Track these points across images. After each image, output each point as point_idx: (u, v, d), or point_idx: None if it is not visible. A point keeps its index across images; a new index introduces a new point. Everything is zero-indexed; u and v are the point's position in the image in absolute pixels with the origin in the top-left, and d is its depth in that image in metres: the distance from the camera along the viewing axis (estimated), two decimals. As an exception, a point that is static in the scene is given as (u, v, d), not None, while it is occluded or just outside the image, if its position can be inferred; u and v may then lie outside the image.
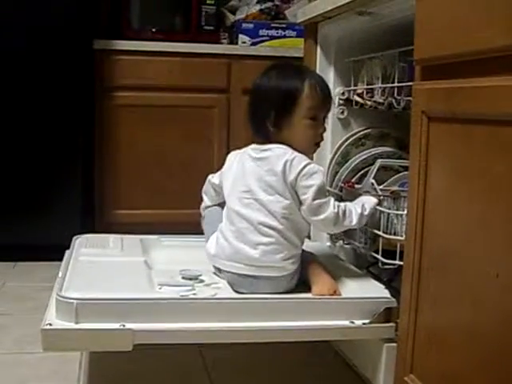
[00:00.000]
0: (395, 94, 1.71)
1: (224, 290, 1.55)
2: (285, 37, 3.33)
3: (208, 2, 3.29)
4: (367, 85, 1.89)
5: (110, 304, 1.34)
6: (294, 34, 3.34)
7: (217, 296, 1.49)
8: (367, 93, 1.90)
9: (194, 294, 1.47)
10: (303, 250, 1.65)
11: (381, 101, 1.81)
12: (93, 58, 2.93)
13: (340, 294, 1.55)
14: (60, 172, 2.87)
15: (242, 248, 1.55)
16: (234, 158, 1.72)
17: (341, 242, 2.04)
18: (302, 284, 1.61)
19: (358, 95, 1.95)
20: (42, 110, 2.82)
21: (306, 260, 1.64)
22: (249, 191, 1.59)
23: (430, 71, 1.31)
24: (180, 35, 3.17)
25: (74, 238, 1.91)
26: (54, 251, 2.69)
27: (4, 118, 2.77)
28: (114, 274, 1.55)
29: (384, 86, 1.75)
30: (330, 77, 2.07)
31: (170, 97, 3.04)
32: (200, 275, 1.60)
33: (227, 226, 1.62)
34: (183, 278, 1.58)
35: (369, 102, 1.90)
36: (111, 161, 3.03)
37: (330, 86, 2.04)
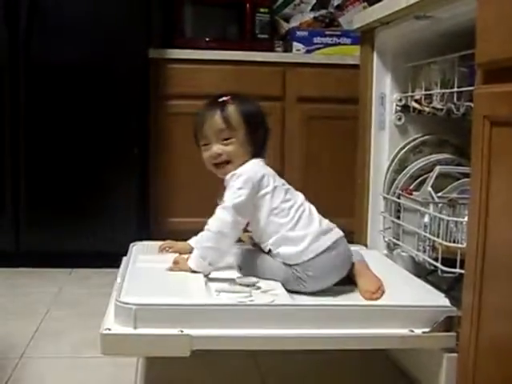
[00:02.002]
0: (455, 100, 1.68)
1: (281, 297, 1.54)
2: (339, 44, 3.30)
3: (262, 10, 3.28)
4: (425, 90, 1.86)
5: (169, 309, 1.35)
6: (348, 41, 3.31)
7: (274, 302, 1.47)
8: (425, 99, 1.87)
9: (252, 300, 1.46)
10: None
11: (439, 107, 1.79)
12: (148, 66, 2.96)
13: (384, 291, 1.60)
14: (116, 180, 2.89)
15: None
16: None
17: (398, 250, 2.01)
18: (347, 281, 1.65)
19: (416, 101, 1.92)
20: (98, 119, 2.85)
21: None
22: None
23: (492, 75, 1.28)
24: (234, 44, 3.17)
25: (131, 245, 1.93)
26: (110, 258, 2.72)
27: (61, 127, 2.82)
28: (171, 280, 1.56)
29: (443, 91, 1.72)
30: (387, 83, 2.05)
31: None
32: (257, 282, 1.60)
33: None
34: (240, 284, 1.58)
35: (427, 109, 1.87)
36: (166, 169, 3.05)
37: (387, 92, 2.03)
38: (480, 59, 1.30)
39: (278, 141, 3.10)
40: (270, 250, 1.70)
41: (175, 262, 1.68)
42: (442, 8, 1.60)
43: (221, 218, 1.65)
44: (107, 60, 2.82)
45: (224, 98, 1.75)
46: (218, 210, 1.66)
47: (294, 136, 3.11)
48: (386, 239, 2.04)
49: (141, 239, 2.79)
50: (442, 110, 1.78)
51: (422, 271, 1.90)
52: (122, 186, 2.90)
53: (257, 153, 1.76)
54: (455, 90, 1.65)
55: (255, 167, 1.72)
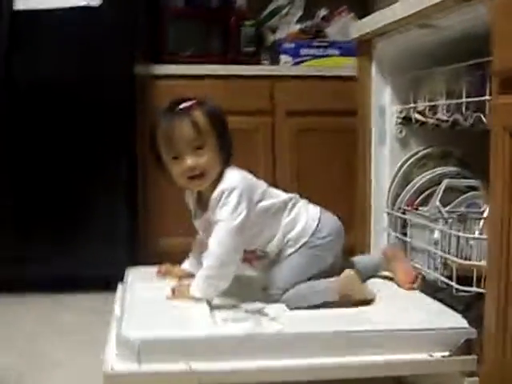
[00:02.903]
0: (463, 110, 1.61)
1: (290, 324, 1.45)
2: (327, 55, 3.23)
3: (247, 23, 3.22)
4: (429, 101, 1.79)
5: (174, 343, 1.27)
6: (336, 52, 3.24)
7: (283, 331, 1.39)
8: (429, 110, 1.80)
9: (260, 329, 1.38)
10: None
11: (445, 118, 1.72)
12: (133, 83, 2.87)
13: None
14: (103, 199, 2.79)
15: None
16: None
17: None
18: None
19: (419, 113, 1.85)
20: (83, 137, 2.75)
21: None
22: None
23: (511, 83, 1.22)
24: (219, 58, 3.10)
25: (127, 270, 1.84)
26: (97, 282, 2.65)
27: (44, 147, 2.71)
28: (173, 309, 1.48)
29: (451, 102, 1.65)
30: (387, 94, 1.99)
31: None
32: (263, 308, 1.52)
33: None
34: (246, 311, 1.50)
35: (431, 120, 1.81)
36: (155, 187, 2.96)
37: (387, 104, 1.97)
38: (497, 67, 1.23)
39: (269, 156, 3.03)
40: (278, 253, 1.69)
41: (176, 291, 1.59)
42: (448, 16, 1.53)
43: (226, 243, 1.56)
44: (92, 77, 2.72)
45: (188, 104, 1.63)
46: (221, 233, 1.56)
47: (285, 151, 3.03)
48: (391, 256, 1.95)
49: (130, 260, 2.75)
50: (447, 121, 1.71)
51: (430, 288, 1.82)
52: (110, 205, 2.80)
53: (227, 159, 1.67)
54: (464, 100, 1.58)
55: (240, 176, 1.64)
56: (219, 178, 1.64)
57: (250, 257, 1.70)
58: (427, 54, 1.82)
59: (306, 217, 1.72)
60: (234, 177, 1.62)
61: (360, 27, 2.00)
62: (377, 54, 1.96)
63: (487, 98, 1.44)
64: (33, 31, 2.64)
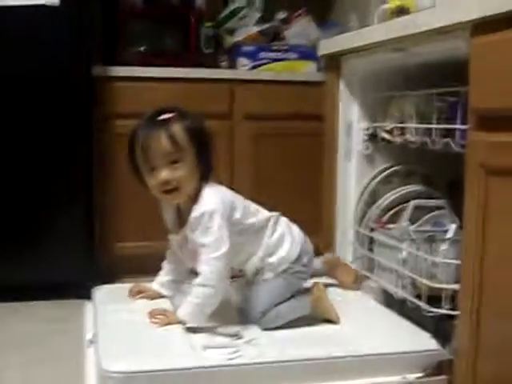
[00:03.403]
0: (432, 134, 1.65)
1: (266, 347, 1.47)
2: (286, 59, 3.23)
3: (206, 24, 3.20)
4: (398, 122, 1.82)
5: (157, 375, 1.26)
6: (295, 56, 3.23)
7: (262, 356, 1.40)
8: (397, 130, 1.83)
9: (240, 355, 1.39)
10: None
11: (413, 139, 1.75)
12: (90, 85, 2.82)
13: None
14: (58, 205, 2.72)
15: None
16: None
17: (368, 281, 1.97)
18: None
19: (387, 132, 1.88)
20: (37, 141, 2.66)
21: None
22: None
23: (488, 122, 1.26)
24: (178, 59, 3.05)
25: (95, 288, 1.82)
26: (56, 289, 2.60)
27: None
28: (149, 335, 1.47)
29: (421, 126, 1.68)
30: (354, 111, 2.01)
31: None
32: (238, 331, 1.53)
33: None
34: (223, 335, 1.50)
35: (398, 140, 1.84)
36: (111, 192, 2.92)
37: (354, 120, 1.99)
38: (475, 104, 1.27)
39: (227, 161, 3.00)
40: (256, 273, 1.69)
41: (158, 317, 1.57)
42: (421, 45, 1.56)
43: (218, 271, 1.54)
44: (46, 78, 2.64)
45: (167, 116, 1.59)
46: (212, 262, 1.54)
47: (243, 155, 3.02)
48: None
49: (86, 266, 2.71)
50: (415, 142, 1.75)
51: (393, 303, 1.87)
52: (66, 211, 2.74)
53: (206, 175, 1.63)
54: (434, 126, 1.61)
55: (220, 196, 1.61)
56: (197, 193, 1.61)
57: None
58: (398, 74, 1.85)
59: (290, 241, 1.71)
60: (214, 198, 1.59)
61: (328, 45, 2.01)
62: (345, 71, 1.99)
63: (459, 126, 1.48)
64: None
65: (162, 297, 1.74)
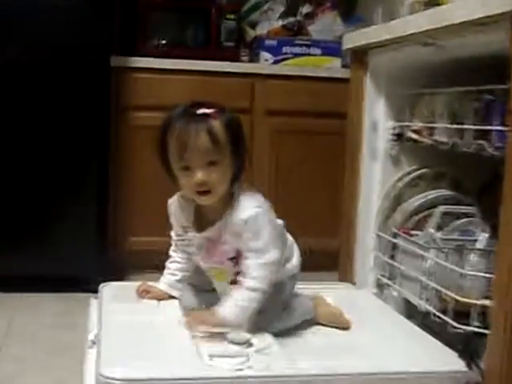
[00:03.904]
0: (465, 136, 1.54)
1: (277, 357, 1.37)
2: (309, 54, 3.14)
3: (228, 16, 3.11)
4: (427, 121, 1.71)
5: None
6: (318, 51, 3.15)
7: (272, 367, 1.30)
8: (426, 130, 1.72)
9: (250, 366, 1.29)
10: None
11: (444, 140, 1.64)
12: (109, 75, 2.75)
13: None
14: (72, 197, 2.67)
15: None
16: None
17: (390, 290, 1.87)
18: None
19: (415, 131, 1.77)
20: (52, 133, 2.62)
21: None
22: None
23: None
24: (198, 52, 2.99)
25: (101, 285, 1.73)
26: (66, 282, 2.54)
27: (10, 142, 2.58)
28: (153, 339, 1.37)
29: (453, 126, 1.57)
30: (380, 109, 1.90)
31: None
32: (250, 338, 1.42)
33: None
34: (233, 342, 1.40)
35: (427, 140, 1.73)
36: (126, 185, 2.85)
37: (380, 119, 1.89)
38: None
39: (247, 156, 2.92)
40: None
41: (196, 318, 1.48)
42: (458, 37, 1.45)
43: (268, 276, 1.49)
44: (64, 68, 2.60)
45: (207, 111, 1.46)
46: (264, 266, 1.48)
47: (263, 151, 2.94)
48: (377, 278, 1.89)
49: (99, 260, 2.64)
50: (445, 143, 1.64)
51: (416, 315, 1.76)
52: (79, 203, 2.69)
53: (238, 175, 1.54)
54: (470, 126, 1.50)
55: (258, 197, 1.54)
56: (228, 194, 1.53)
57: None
58: (431, 70, 1.73)
59: (296, 248, 1.67)
60: (255, 200, 1.52)
61: (354, 38, 1.91)
62: (372, 66, 1.88)
63: (497, 127, 1.37)
64: (3, 17, 2.51)
65: (170, 297, 1.64)
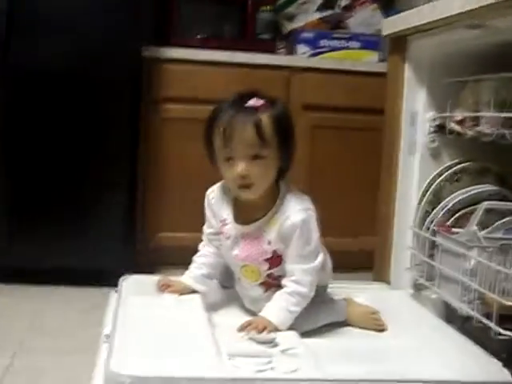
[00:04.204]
0: (512, 126, 1.42)
1: (303, 359, 1.27)
2: (348, 48, 3.05)
3: (264, 8, 3.03)
4: (471, 111, 1.59)
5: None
6: (357, 45, 3.06)
7: (297, 370, 1.20)
8: (470, 120, 1.60)
9: (273, 368, 1.19)
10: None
11: (488, 131, 1.52)
12: (140, 66, 2.68)
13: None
14: (102, 191, 2.62)
15: None
16: None
17: (428, 291, 1.75)
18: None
19: (457, 122, 1.65)
20: (83, 125, 2.57)
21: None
22: None
23: None
24: (234, 43, 2.91)
25: (121, 279, 1.65)
26: (94, 276, 2.49)
27: (43, 135, 2.53)
28: (171, 336, 1.28)
29: (501, 114, 1.45)
30: (420, 99, 1.79)
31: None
32: (274, 338, 1.33)
33: None
34: (255, 341, 1.31)
35: (470, 132, 1.61)
36: (157, 179, 2.78)
37: (420, 110, 1.77)
38: None
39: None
40: None
41: (251, 323, 1.40)
42: (505, 17, 1.33)
43: (315, 281, 1.48)
44: (94, 59, 2.54)
45: (256, 104, 1.43)
46: (312, 271, 1.47)
47: (299, 146, 2.81)
48: (415, 278, 1.77)
49: (127, 255, 2.58)
50: (490, 135, 1.52)
51: (455, 318, 1.64)
52: (109, 197, 2.63)
53: (283, 172, 1.51)
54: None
55: (304, 197, 1.51)
56: (272, 192, 1.49)
57: (271, 283, 1.53)
58: (473, 56, 1.62)
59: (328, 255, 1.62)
60: (304, 202, 1.49)
61: (393, 23, 1.80)
62: (412, 53, 1.77)
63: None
64: (33, 13, 2.46)
65: (193, 292, 1.55)
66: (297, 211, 1.45)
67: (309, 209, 1.47)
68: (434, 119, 1.77)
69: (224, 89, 2.74)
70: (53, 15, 2.47)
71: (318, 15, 3.22)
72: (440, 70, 1.73)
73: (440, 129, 1.76)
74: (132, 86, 2.62)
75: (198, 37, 2.89)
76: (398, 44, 1.80)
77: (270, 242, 1.48)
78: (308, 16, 3.23)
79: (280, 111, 1.46)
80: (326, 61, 2.93)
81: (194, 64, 2.75)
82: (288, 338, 1.36)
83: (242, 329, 1.39)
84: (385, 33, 1.84)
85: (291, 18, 3.24)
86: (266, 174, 1.44)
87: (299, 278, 1.45)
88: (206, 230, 1.61)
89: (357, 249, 2.70)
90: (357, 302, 1.66)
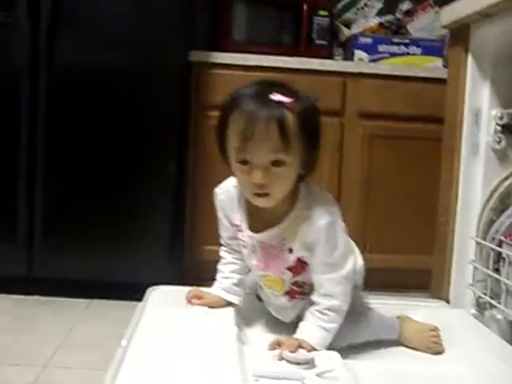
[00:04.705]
0: None
1: (345, 383, 1.10)
2: (408, 54, 2.92)
3: (321, 13, 2.90)
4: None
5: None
6: (418, 51, 2.92)
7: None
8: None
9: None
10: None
11: None
12: (189, 71, 2.59)
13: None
14: (147, 201, 2.51)
15: None
16: None
17: (493, 311, 1.55)
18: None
19: (527, 120, 1.47)
20: (128, 131, 2.49)
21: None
22: None
23: None
24: (288, 49, 2.81)
25: (150, 289, 1.51)
26: (135, 289, 2.36)
27: (86, 140, 2.45)
28: (191, 351, 1.13)
29: None
30: (485, 95, 1.61)
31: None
32: (312, 358, 1.16)
33: None
34: (288, 361, 1.14)
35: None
36: (205, 189, 2.64)
37: (484, 107, 1.59)
38: None
39: (335, 161, 2.69)
40: None
41: (283, 342, 1.24)
42: None
43: (348, 291, 1.30)
44: (142, 62, 2.46)
45: (282, 99, 1.19)
46: (344, 281, 1.30)
47: (354, 156, 2.71)
48: (477, 296, 1.58)
49: (172, 268, 2.46)
50: None
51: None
52: (154, 207, 2.52)
53: (306, 175, 1.29)
54: None
55: (329, 198, 1.33)
56: (291, 194, 1.29)
57: (297, 290, 1.36)
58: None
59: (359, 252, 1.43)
60: (328, 204, 1.30)
61: (454, 10, 1.62)
62: (476, 43, 1.59)
63: None
64: (75, 10, 2.40)
65: (227, 304, 1.40)
66: (320, 215, 1.26)
67: (333, 211, 1.29)
68: (501, 117, 1.58)
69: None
70: (102, 16, 2.41)
71: (377, 20, 3.09)
72: (507, 62, 1.55)
73: (507, 128, 1.57)
74: (180, 91, 2.53)
75: (251, 41, 2.79)
76: (460, 34, 1.63)
77: (291, 250, 1.30)
78: (367, 21, 3.10)
79: (307, 107, 1.23)
80: (384, 66, 2.78)
81: (244, 69, 2.64)
82: (327, 359, 1.19)
83: (273, 347, 1.23)
84: (444, 22, 1.66)
85: (349, 23, 3.12)
86: (287, 183, 1.25)
87: (329, 290, 1.29)
88: (223, 233, 1.43)
89: (412, 267, 2.52)
90: (413, 319, 1.48)
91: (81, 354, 1.92)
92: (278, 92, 1.21)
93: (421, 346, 1.40)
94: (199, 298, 1.42)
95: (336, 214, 1.29)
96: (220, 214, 1.40)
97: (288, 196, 1.28)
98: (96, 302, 2.45)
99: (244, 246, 1.36)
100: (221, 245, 1.46)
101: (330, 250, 1.27)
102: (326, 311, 1.28)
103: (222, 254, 1.46)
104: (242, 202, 1.34)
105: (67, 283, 2.47)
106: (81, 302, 2.42)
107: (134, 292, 2.36)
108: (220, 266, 1.45)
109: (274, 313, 1.42)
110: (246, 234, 1.34)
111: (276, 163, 1.21)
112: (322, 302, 1.29)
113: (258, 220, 1.32)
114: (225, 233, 1.42)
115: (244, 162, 1.22)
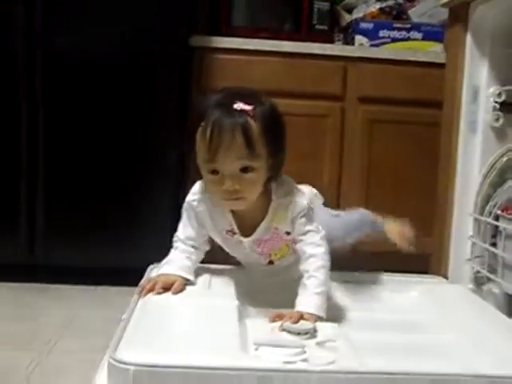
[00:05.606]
0: None
1: (341, 351, 1.11)
2: (409, 39, 2.90)
3: (321, -3, 2.90)
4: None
5: (180, 373, 0.93)
6: (419, 35, 2.91)
7: (334, 364, 1.04)
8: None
9: (304, 359, 1.04)
10: None
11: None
12: (190, 56, 2.59)
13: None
14: (148, 187, 2.51)
15: None
16: None
17: (490, 285, 1.57)
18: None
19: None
20: (128, 118, 2.47)
21: None
22: None
23: None
24: (288, 34, 2.81)
25: (150, 267, 1.54)
26: (137, 275, 2.38)
27: (85, 128, 2.43)
28: (192, 324, 1.15)
29: None
30: (483, 73, 1.62)
31: (277, 103, 2.63)
32: (312, 329, 1.17)
33: None
34: (288, 331, 1.16)
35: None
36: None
37: (482, 84, 1.60)
38: None
39: (335, 147, 2.69)
40: None
41: (283, 314, 1.27)
42: None
43: (327, 251, 1.38)
44: (141, 47, 2.45)
45: (244, 107, 1.27)
46: (321, 242, 1.38)
47: (354, 141, 2.71)
48: (475, 271, 1.59)
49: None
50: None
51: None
52: (155, 194, 2.52)
53: (276, 173, 1.37)
54: None
55: (305, 191, 1.46)
56: (265, 192, 1.38)
57: None
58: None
59: None
60: (298, 187, 1.43)
61: (454, -11, 1.63)
62: (475, 21, 1.60)
63: None
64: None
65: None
66: (297, 196, 1.39)
67: (302, 189, 1.43)
68: (499, 94, 1.60)
69: (276, 79, 2.65)
70: (101, 1, 2.39)
71: (378, 5, 3.08)
72: (505, 40, 1.57)
73: (505, 105, 1.59)
74: (181, 76, 2.52)
75: (252, 26, 2.79)
76: (459, 12, 1.64)
77: (289, 233, 1.41)
78: (368, 7, 3.10)
79: (267, 113, 1.31)
80: (385, 51, 2.77)
81: (245, 54, 2.64)
82: (328, 330, 1.21)
83: (274, 320, 1.25)
84: (444, 0, 1.67)
85: (350, 9, 3.12)
86: (257, 186, 1.33)
87: (312, 252, 1.37)
88: (185, 234, 1.49)
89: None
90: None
91: (84, 339, 1.92)
92: (240, 101, 1.27)
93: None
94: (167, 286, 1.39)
95: (305, 198, 1.40)
96: (193, 222, 1.45)
97: (261, 193, 1.36)
98: (98, 288, 2.46)
99: (243, 247, 1.45)
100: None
101: (308, 220, 1.38)
102: (314, 273, 1.32)
103: (176, 244, 1.52)
104: (219, 214, 1.42)
105: (69, 270, 2.47)
106: (83, 289, 2.43)
107: (136, 278, 2.40)
108: (174, 252, 1.52)
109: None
110: (241, 237, 1.42)
111: (245, 170, 1.28)
112: (308, 266, 1.34)
113: (246, 221, 1.40)
114: (187, 233, 1.49)
115: (214, 172, 1.29)
